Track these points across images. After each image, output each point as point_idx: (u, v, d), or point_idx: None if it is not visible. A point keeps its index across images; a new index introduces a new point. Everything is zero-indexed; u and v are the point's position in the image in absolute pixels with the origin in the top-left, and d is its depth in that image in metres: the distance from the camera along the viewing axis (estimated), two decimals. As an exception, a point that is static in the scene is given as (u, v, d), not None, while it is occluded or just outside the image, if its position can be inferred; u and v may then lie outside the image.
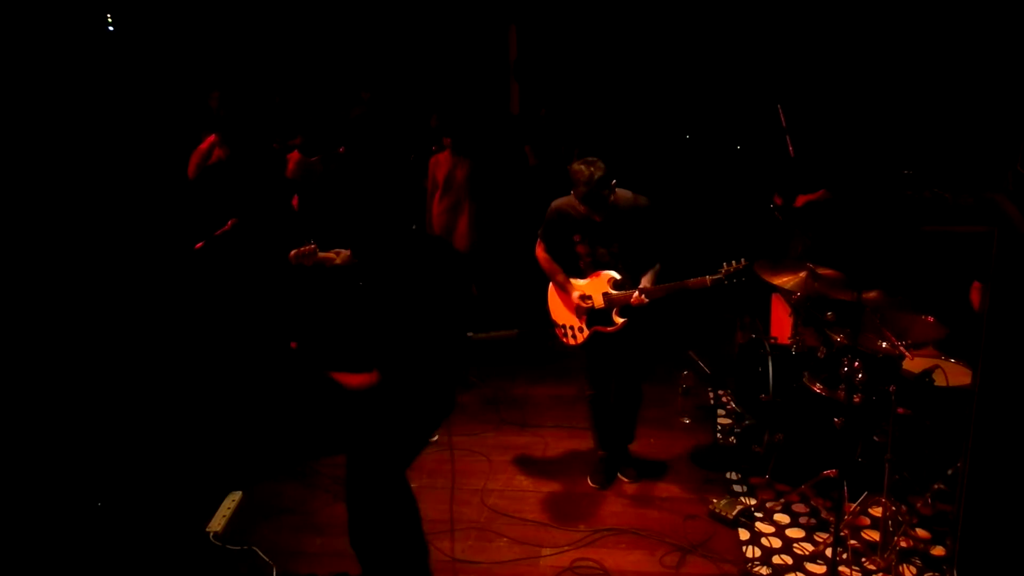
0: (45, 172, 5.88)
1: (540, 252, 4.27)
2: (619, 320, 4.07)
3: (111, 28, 7.23)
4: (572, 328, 4.26)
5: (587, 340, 4.22)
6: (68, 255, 5.66)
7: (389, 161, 4.70)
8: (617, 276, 4.07)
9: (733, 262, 3.81)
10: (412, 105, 7.27)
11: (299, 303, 3.51)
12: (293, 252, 3.26)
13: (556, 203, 4.13)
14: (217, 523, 4.06)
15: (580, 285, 4.17)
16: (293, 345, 3.31)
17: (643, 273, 4.04)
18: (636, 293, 3.93)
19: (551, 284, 4.34)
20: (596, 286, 4.12)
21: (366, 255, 3.25)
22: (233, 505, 4.20)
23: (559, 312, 4.31)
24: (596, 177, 3.79)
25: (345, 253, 3.41)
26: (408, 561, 3.53)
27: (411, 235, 3.44)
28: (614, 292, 4.06)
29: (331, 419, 3.62)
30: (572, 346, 4.31)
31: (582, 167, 3.83)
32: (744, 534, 3.95)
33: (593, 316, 4.16)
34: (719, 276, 3.81)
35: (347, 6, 8.91)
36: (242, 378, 4.96)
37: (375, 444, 3.32)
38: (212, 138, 5.33)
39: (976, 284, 4.22)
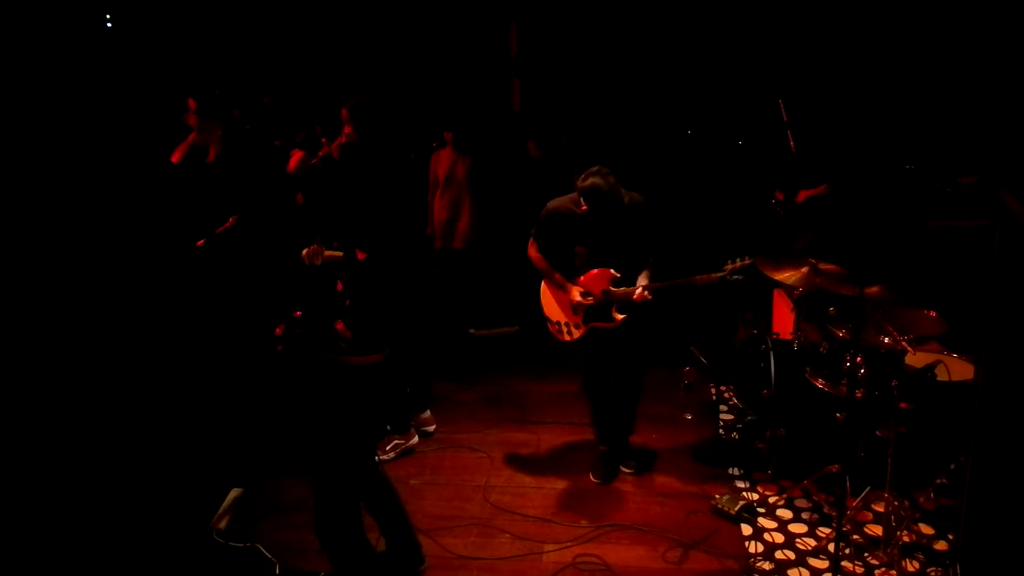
0: (45, 170, 5.88)
1: (533, 252, 4.30)
2: (619, 316, 4.09)
3: (109, 25, 7.23)
4: (567, 325, 4.27)
5: (583, 336, 4.23)
6: (71, 253, 5.66)
7: (396, 157, 4.67)
8: (617, 273, 4.08)
9: (738, 259, 3.83)
10: (413, 102, 7.26)
11: (307, 294, 3.50)
12: (304, 252, 3.26)
13: (552, 203, 4.15)
14: (220, 520, 4.07)
15: (579, 282, 4.18)
16: (279, 331, 3.29)
17: (637, 269, 4.06)
18: (640, 289, 3.95)
19: (543, 281, 4.35)
20: (595, 283, 4.13)
21: (372, 248, 3.25)
22: (236, 502, 4.20)
23: (552, 309, 4.32)
24: (612, 192, 3.86)
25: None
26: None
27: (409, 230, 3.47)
28: (615, 288, 4.07)
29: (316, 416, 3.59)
30: (567, 342, 4.32)
31: (598, 180, 3.85)
32: (747, 529, 3.95)
33: (591, 312, 4.16)
34: (723, 273, 3.86)
35: (347, 3, 8.89)
36: (245, 376, 4.95)
37: (358, 431, 3.34)
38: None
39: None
